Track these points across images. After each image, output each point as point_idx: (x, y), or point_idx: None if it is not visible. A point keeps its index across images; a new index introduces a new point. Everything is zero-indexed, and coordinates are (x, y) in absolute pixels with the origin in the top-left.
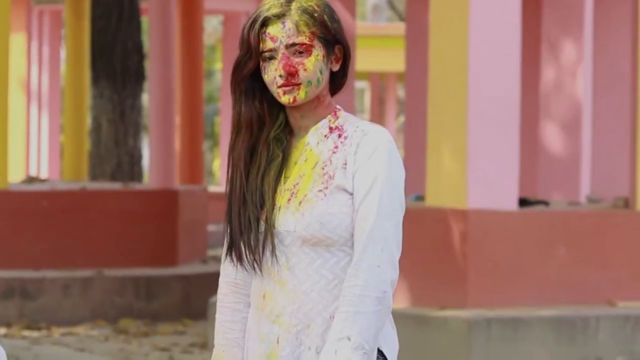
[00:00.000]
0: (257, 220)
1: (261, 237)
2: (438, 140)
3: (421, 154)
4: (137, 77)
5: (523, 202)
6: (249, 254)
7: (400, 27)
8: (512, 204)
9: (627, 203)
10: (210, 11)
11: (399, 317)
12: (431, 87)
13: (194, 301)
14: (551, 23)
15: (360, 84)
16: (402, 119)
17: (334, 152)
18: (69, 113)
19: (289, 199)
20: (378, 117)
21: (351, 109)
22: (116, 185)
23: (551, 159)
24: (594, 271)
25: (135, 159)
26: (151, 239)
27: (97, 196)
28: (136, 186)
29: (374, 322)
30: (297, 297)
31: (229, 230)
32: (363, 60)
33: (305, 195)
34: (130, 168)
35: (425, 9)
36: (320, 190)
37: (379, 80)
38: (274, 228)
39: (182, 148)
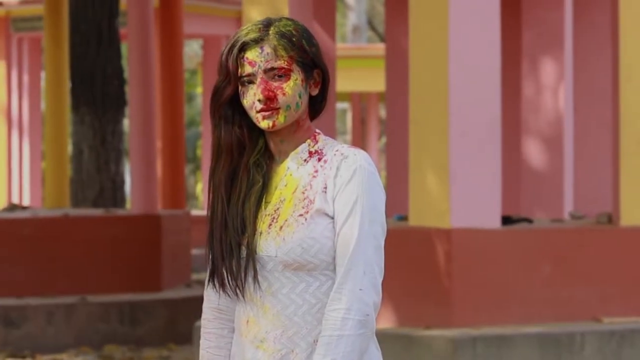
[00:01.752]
0: (239, 246)
1: (243, 263)
2: (420, 159)
3: (403, 173)
4: (118, 102)
5: (506, 220)
6: (231, 280)
7: (380, 48)
8: (495, 222)
9: (610, 219)
10: (190, 35)
11: (384, 337)
12: (412, 107)
13: (179, 326)
14: (531, 40)
15: (341, 105)
16: (384, 139)
17: (314, 177)
18: (49, 140)
19: (270, 224)
20: (360, 137)
21: (332, 130)
22: (98, 212)
23: (534, 176)
24: (578, 287)
25: (117, 184)
26: (135, 264)
27: (79, 222)
28: (118, 212)
29: (357, 345)
30: (281, 322)
31: (210, 257)
32: (344, 81)
33: (286, 220)
34: (112, 194)
35: (404, 29)
36: (301, 215)
37: (360, 101)
38: (256, 254)
39: (164, 173)
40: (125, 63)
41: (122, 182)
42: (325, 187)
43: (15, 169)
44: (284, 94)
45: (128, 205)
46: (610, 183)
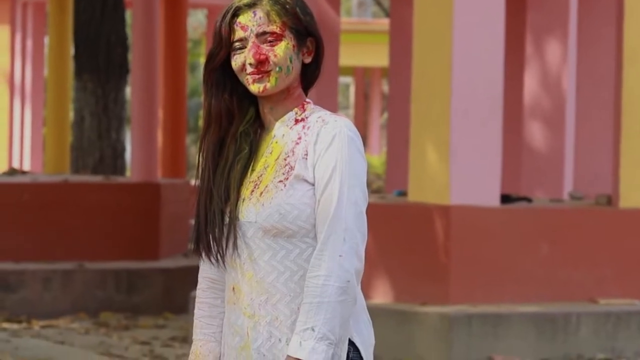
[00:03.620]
0: (222, 213)
1: (225, 230)
2: (421, 136)
3: (404, 149)
4: (121, 70)
5: (505, 199)
6: (214, 246)
7: (385, 23)
8: (494, 201)
9: (609, 200)
10: (194, 5)
11: (380, 312)
12: (414, 84)
13: (175, 295)
14: (536, 20)
15: (344, 79)
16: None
17: (297, 143)
18: (51, 106)
19: (252, 191)
20: (362, 112)
21: (335, 104)
22: (98, 179)
23: (534, 155)
24: (576, 268)
25: (118, 152)
26: (133, 232)
27: (79, 189)
28: (118, 179)
29: (338, 311)
30: (264, 288)
31: (196, 225)
32: (348, 55)
33: (266, 186)
34: (113, 161)
35: (409, 4)
36: (281, 181)
37: (363, 76)
38: (238, 220)
39: (165, 142)
40: (129, 31)
41: (123, 149)
42: (306, 154)
43: (16, 134)
44: (275, 56)
45: (128, 173)
46: (610, 165)
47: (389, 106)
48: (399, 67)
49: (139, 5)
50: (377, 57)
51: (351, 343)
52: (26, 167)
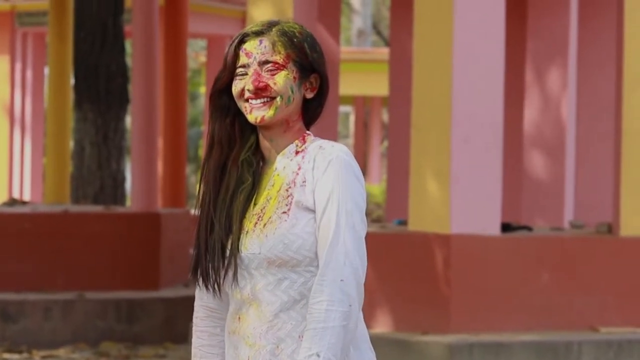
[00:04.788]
0: (223, 245)
1: (225, 261)
2: (421, 165)
3: (404, 178)
4: (121, 100)
5: (506, 227)
6: (212, 276)
7: (385, 52)
8: (494, 229)
9: (610, 229)
10: (194, 34)
11: (381, 341)
12: (414, 112)
13: (176, 324)
14: (536, 48)
15: (344, 109)
16: (386, 143)
17: (297, 174)
18: (51, 135)
19: (256, 223)
20: (362, 141)
21: (335, 133)
22: (98, 208)
23: (534, 184)
24: (576, 296)
25: (118, 182)
26: (133, 262)
27: (79, 219)
28: (118, 209)
29: (341, 336)
30: (267, 318)
31: (196, 252)
32: (348, 84)
33: (269, 218)
34: (113, 191)
35: (409, 33)
36: (284, 212)
37: (363, 105)
38: (240, 252)
39: (165, 171)
40: (129, 60)
41: (123, 179)
42: (305, 180)
43: (16, 164)
44: (275, 84)
45: (128, 203)
46: (611, 193)
47: (389, 135)
48: (399, 96)
49: (138, 35)
50: (377, 86)
51: None
52: (26, 197)
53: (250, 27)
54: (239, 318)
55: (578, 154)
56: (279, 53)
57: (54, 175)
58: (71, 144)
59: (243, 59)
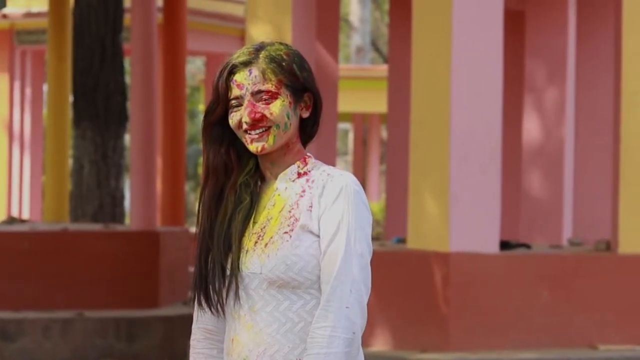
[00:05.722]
0: (222, 264)
1: (227, 281)
2: (420, 183)
3: (403, 196)
4: (120, 118)
5: (505, 245)
6: (214, 297)
7: (384, 69)
8: (493, 247)
9: (609, 246)
10: (193, 52)
11: (380, 359)
12: (413, 130)
13: (175, 343)
14: (534, 66)
15: (343, 126)
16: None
17: (301, 196)
18: (50, 153)
19: (256, 242)
20: (361, 158)
21: (334, 150)
22: (97, 227)
23: (533, 201)
24: (575, 314)
25: (117, 200)
26: (132, 280)
27: (78, 237)
28: (117, 227)
29: None
30: (263, 339)
31: (196, 275)
32: (346, 101)
33: (271, 238)
34: (112, 209)
35: (408, 50)
36: (286, 232)
37: (362, 122)
38: (241, 271)
39: (164, 189)
40: (128, 78)
41: (122, 197)
42: (311, 206)
43: (15, 182)
44: (271, 114)
45: (127, 221)
46: (609, 211)
47: (387, 152)
48: (398, 113)
49: (137, 53)
50: (376, 103)
51: None
52: (25, 215)
53: (237, 57)
54: (233, 340)
55: (576, 172)
56: (270, 80)
57: (53, 194)
58: (70, 162)
59: (235, 91)
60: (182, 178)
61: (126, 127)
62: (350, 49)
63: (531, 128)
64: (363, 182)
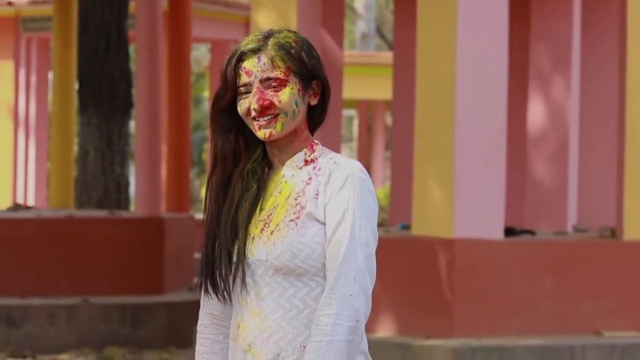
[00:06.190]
0: (229, 251)
1: (233, 268)
2: (425, 169)
3: (408, 182)
4: (125, 104)
5: (509, 232)
6: (221, 284)
7: (389, 56)
8: (498, 234)
9: (613, 233)
10: (198, 39)
11: (384, 346)
12: (418, 117)
13: (180, 329)
14: (539, 52)
15: (348, 112)
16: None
17: (307, 184)
18: (55, 140)
19: (262, 229)
20: (366, 145)
21: (338, 137)
22: (102, 213)
23: (538, 188)
24: (580, 301)
25: (122, 186)
26: (137, 266)
27: (83, 224)
28: (122, 214)
29: (346, 351)
30: (268, 326)
31: (203, 262)
32: (351, 88)
33: (277, 225)
34: (117, 196)
35: (412, 37)
36: (292, 220)
37: (367, 109)
38: (247, 258)
39: (169, 176)
40: (133, 65)
41: (127, 184)
42: (317, 194)
43: (20, 169)
44: (279, 101)
45: (132, 207)
46: (614, 197)
47: (392, 139)
48: (403, 99)
49: (142, 40)
50: (381, 90)
51: None
52: (30, 202)
53: (245, 45)
54: (239, 326)
55: (581, 159)
56: (279, 68)
57: (58, 180)
58: (75, 149)
59: (244, 78)
60: (187, 165)
61: (131, 114)
62: (355, 36)
63: (536, 114)
64: (368, 169)
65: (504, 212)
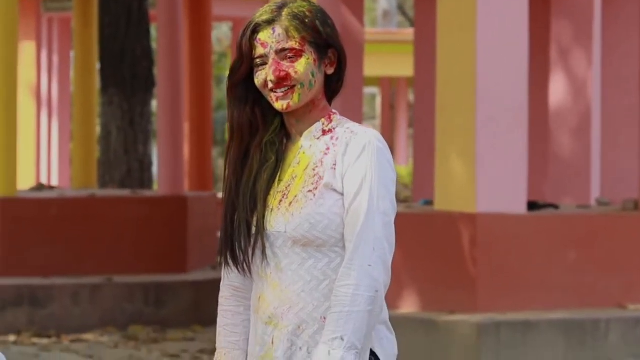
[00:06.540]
0: (248, 223)
1: (252, 239)
2: (447, 144)
3: (431, 159)
4: (147, 84)
5: (532, 206)
6: (240, 256)
7: (410, 33)
8: (521, 208)
9: (636, 205)
10: (219, 18)
11: (407, 321)
12: (439, 93)
13: (204, 307)
14: (560, 27)
15: (370, 90)
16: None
17: (325, 154)
18: (78, 120)
19: (281, 201)
20: (389, 122)
21: (360, 115)
22: (125, 192)
23: (560, 162)
24: (603, 274)
25: (145, 165)
26: (161, 245)
27: (106, 203)
28: (145, 193)
29: (366, 321)
30: (288, 298)
31: (223, 234)
32: (373, 65)
33: (295, 196)
34: (140, 175)
35: (433, 14)
36: (310, 191)
37: (389, 86)
38: (266, 230)
39: (192, 154)
40: (154, 44)
41: (150, 163)
42: (335, 164)
43: (44, 149)
44: (296, 72)
45: (155, 186)
46: (637, 170)
47: (415, 115)
48: (425, 76)
49: (163, 19)
50: (403, 67)
51: (372, 353)
52: (54, 182)
53: (260, 16)
54: (259, 298)
55: (604, 132)
56: (294, 38)
57: (81, 160)
58: (98, 128)
59: (259, 50)
60: (210, 143)
61: (153, 93)
62: (377, 13)
63: (558, 88)
64: (391, 146)
65: (527, 187)
